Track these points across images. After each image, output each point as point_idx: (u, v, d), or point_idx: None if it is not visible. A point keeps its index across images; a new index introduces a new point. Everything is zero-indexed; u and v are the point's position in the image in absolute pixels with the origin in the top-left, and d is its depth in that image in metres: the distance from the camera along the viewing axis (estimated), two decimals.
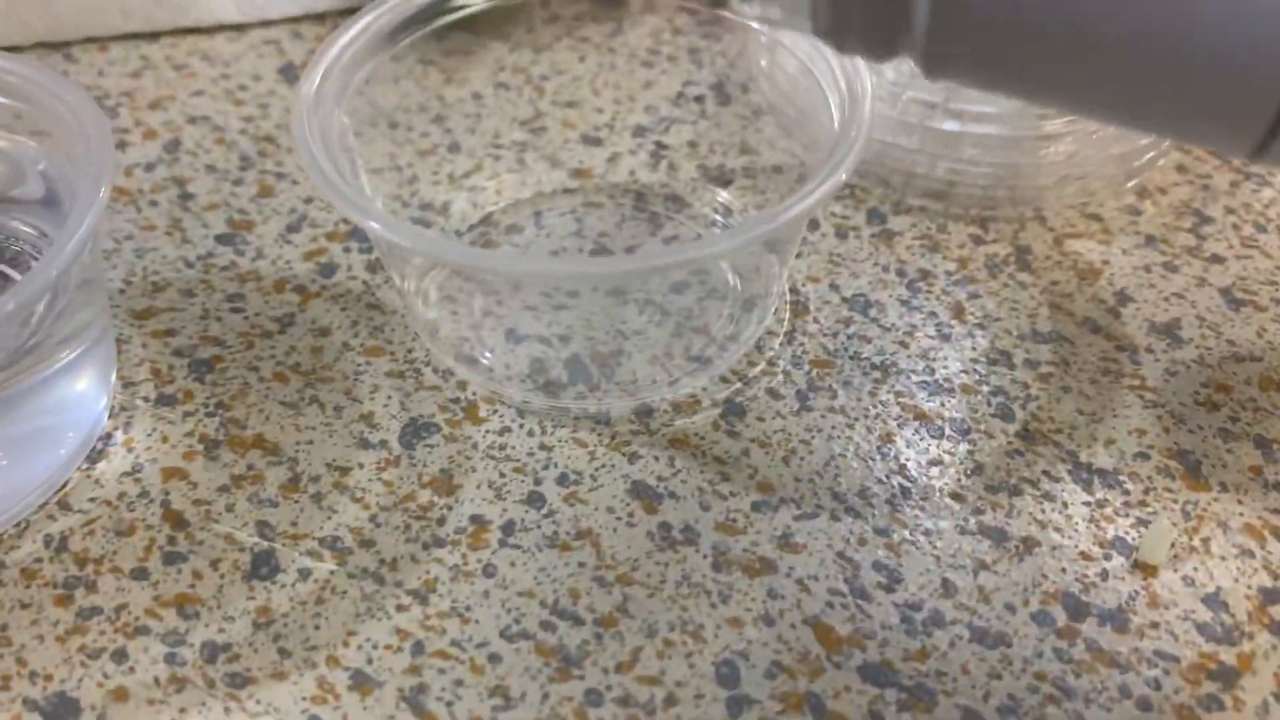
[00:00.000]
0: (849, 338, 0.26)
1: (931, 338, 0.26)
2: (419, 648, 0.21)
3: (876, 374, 0.25)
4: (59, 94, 0.22)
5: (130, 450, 0.24)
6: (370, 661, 0.20)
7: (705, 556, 0.22)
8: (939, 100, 0.29)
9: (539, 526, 0.22)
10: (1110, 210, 0.29)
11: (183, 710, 0.20)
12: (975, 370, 0.25)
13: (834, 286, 0.27)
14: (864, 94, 0.23)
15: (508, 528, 0.22)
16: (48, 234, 0.24)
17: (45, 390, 0.22)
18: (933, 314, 0.26)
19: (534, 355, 0.25)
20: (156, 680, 0.20)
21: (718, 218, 0.28)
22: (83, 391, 0.23)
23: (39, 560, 0.22)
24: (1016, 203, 0.29)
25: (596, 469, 0.23)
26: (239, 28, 0.35)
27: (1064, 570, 0.22)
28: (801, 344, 0.26)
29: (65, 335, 0.22)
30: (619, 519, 0.23)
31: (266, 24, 0.35)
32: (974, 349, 0.26)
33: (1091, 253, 0.28)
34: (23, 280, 0.19)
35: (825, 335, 0.26)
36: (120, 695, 0.20)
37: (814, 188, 0.21)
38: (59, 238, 0.20)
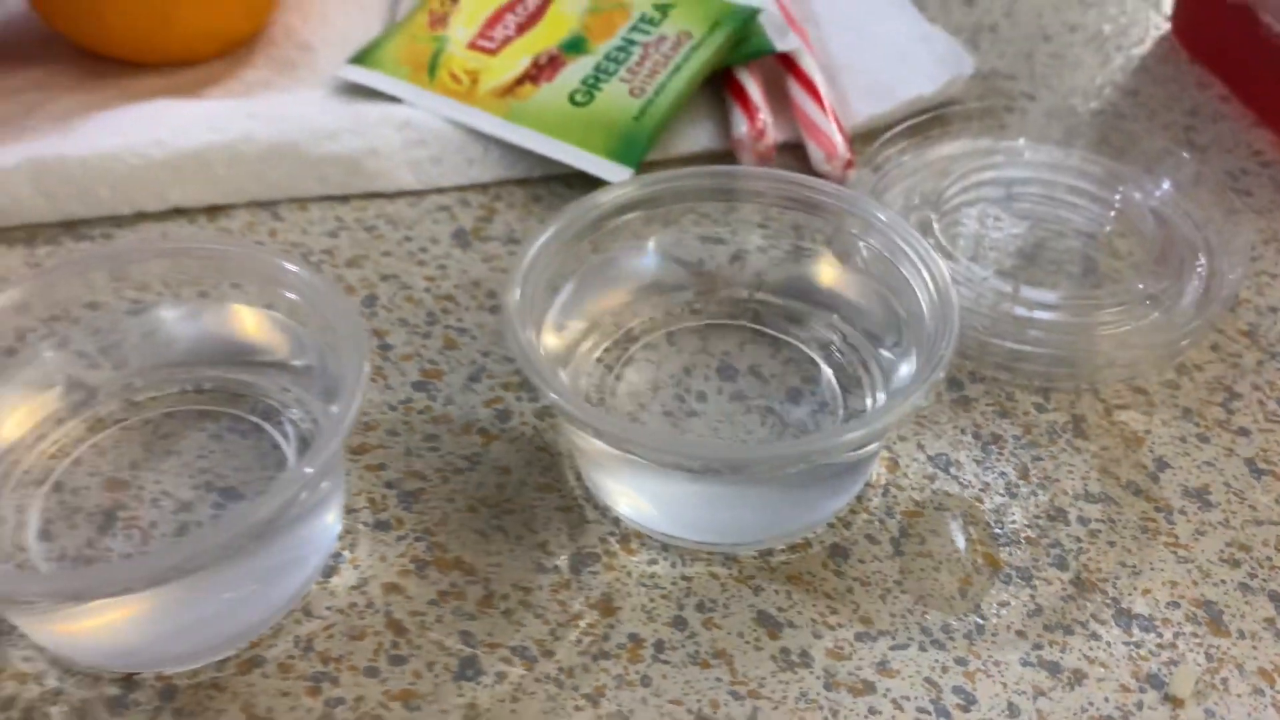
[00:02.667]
0: (934, 492, 0.31)
1: (1001, 495, 0.31)
2: None
3: (956, 525, 0.31)
4: (326, 295, 0.29)
5: (356, 568, 0.30)
6: None
7: (818, 678, 0.27)
8: (1009, 290, 0.34)
9: (683, 646, 0.28)
10: (1154, 385, 0.35)
11: None
12: (1037, 525, 0.31)
13: (920, 445, 0.33)
14: (947, 284, 0.29)
15: (659, 645, 0.28)
16: (298, 397, 0.31)
17: (302, 524, 0.28)
18: (1003, 474, 0.32)
19: None
20: None
21: (833, 338, 0.34)
22: (328, 523, 0.29)
23: (291, 657, 0.28)
24: (1074, 377, 0.34)
25: (728, 599, 0.29)
26: (416, 194, 0.41)
27: (1107, 700, 0.27)
28: (894, 495, 0.31)
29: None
30: (747, 642, 0.28)
31: (440, 190, 0.42)
32: (1036, 506, 0.31)
33: (1136, 423, 0.33)
34: (314, 448, 0.26)
35: (914, 489, 0.32)
36: None
37: (919, 386, 0.27)
38: (339, 413, 0.26)
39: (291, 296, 0.30)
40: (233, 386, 0.32)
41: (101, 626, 0.27)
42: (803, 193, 0.33)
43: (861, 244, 0.32)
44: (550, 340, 0.32)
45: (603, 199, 0.33)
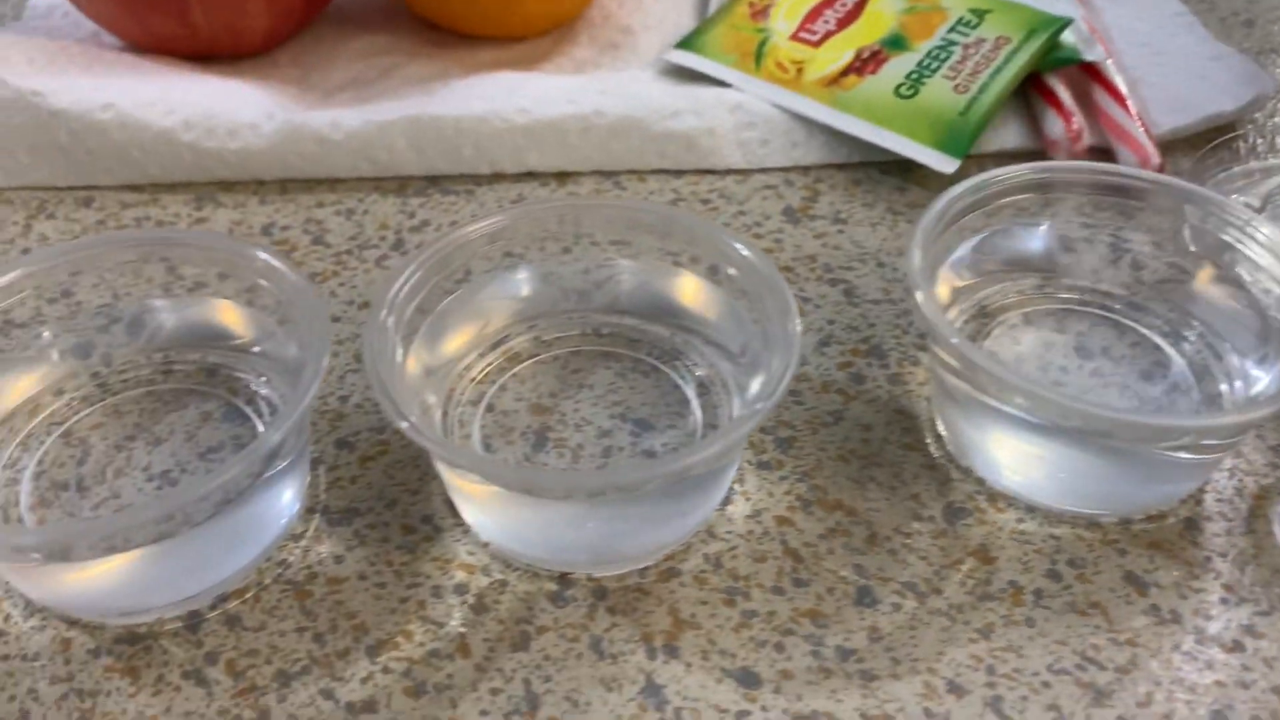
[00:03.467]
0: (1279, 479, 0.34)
1: None
2: (991, 670, 0.29)
3: None
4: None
5: (748, 500, 0.33)
6: (958, 675, 0.29)
7: (1189, 633, 0.30)
8: None
9: (1060, 595, 0.31)
10: None
11: (833, 691, 0.29)
12: None
13: (1260, 437, 0.35)
14: None
15: (1038, 593, 0.31)
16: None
17: (732, 466, 0.31)
18: None
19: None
20: (809, 668, 0.29)
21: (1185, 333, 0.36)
22: (736, 463, 0.32)
23: (704, 571, 0.31)
24: None
25: (1095, 558, 0.32)
26: (743, 173, 0.45)
27: None
28: (1241, 479, 0.34)
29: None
30: (1119, 597, 0.31)
31: (764, 171, 0.45)
32: None
33: None
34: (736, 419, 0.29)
35: (1259, 475, 0.34)
36: (787, 675, 0.29)
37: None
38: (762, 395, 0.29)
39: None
40: None
41: (547, 523, 0.30)
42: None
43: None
44: (941, 291, 0.35)
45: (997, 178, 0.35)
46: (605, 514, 0.30)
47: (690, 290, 0.35)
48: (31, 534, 0.29)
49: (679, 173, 0.45)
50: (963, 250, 0.35)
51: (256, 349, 0.34)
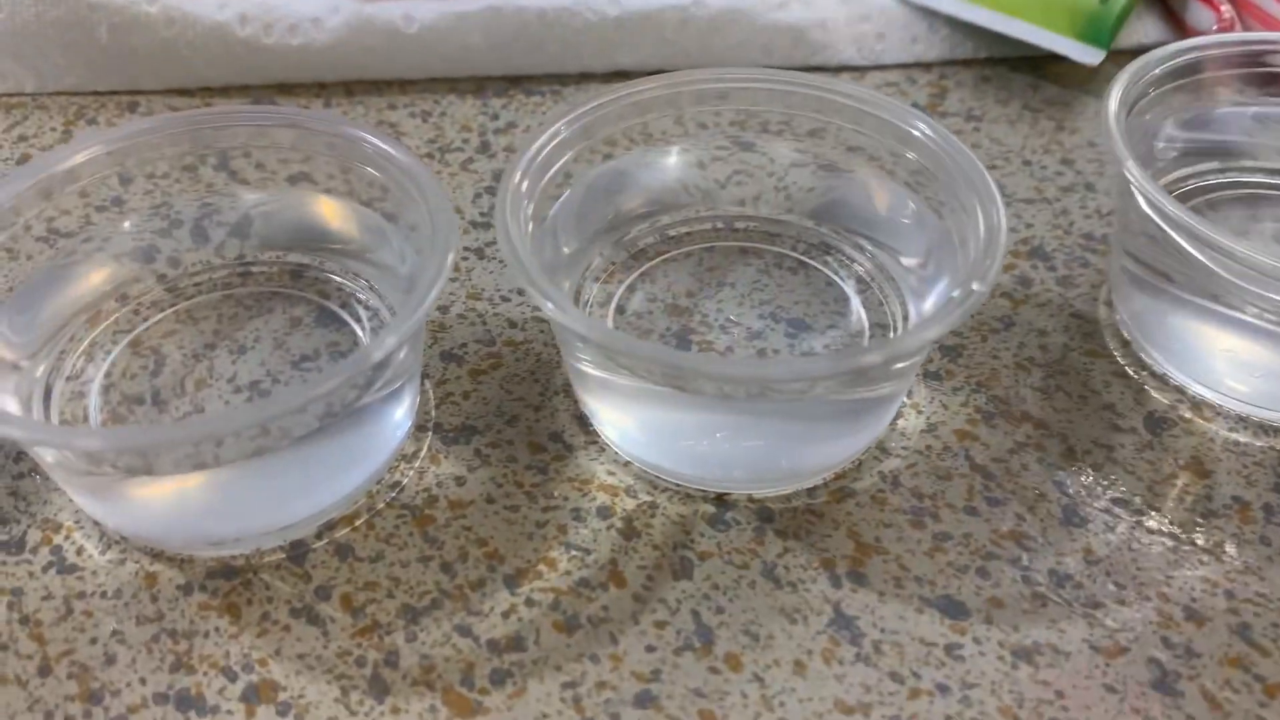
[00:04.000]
0: None
1: None
2: (1230, 595, 0.25)
3: None
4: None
5: (920, 413, 0.29)
6: (1194, 600, 0.25)
7: None
8: None
9: None
10: None
11: (1053, 621, 0.25)
12: None
13: None
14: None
15: (1267, 509, 0.27)
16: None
17: (913, 370, 0.27)
18: None
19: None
20: (1020, 595, 0.25)
21: None
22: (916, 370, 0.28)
23: (881, 491, 0.27)
24: None
25: None
26: (858, 69, 0.40)
27: None
28: None
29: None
30: None
31: (881, 68, 0.41)
32: None
33: None
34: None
35: None
36: (996, 603, 0.25)
37: None
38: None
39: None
40: None
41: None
42: None
43: None
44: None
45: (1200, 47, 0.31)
46: (773, 422, 0.26)
47: (859, 182, 0.31)
48: (108, 437, 0.25)
49: (787, 69, 0.40)
50: (1158, 127, 0.31)
51: (353, 245, 0.30)
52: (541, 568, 0.26)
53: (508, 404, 0.29)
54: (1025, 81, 0.40)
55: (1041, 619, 0.25)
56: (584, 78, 0.40)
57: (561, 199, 0.29)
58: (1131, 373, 0.30)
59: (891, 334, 0.29)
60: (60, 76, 0.39)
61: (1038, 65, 0.40)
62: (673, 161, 0.31)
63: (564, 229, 0.29)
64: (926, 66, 0.41)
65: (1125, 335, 0.31)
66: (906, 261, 0.29)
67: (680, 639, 0.24)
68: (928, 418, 0.29)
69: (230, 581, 0.25)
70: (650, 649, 0.24)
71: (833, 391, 0.25)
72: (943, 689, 0.24)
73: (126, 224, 0.29)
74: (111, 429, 0.27)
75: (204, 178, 0.29)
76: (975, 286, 0.24)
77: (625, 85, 0.29)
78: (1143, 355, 0.30)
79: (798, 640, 0.24)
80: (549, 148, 0.27)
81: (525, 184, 0.26)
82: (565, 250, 0.29)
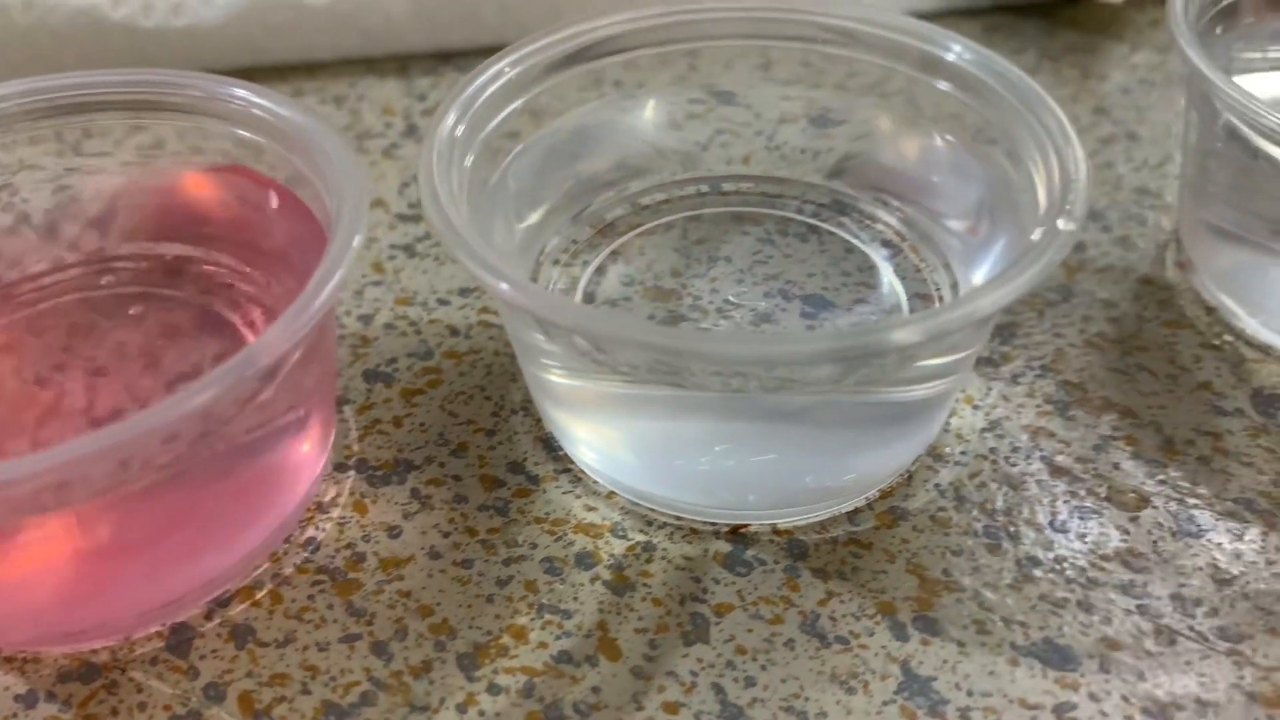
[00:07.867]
0: None
1: None
2: None
3: None
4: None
5: (975, 408, 0.23)
6: None
7: None
8: None
9: None
10: None
11: (1188, 662, 0.19)
12: None
13: None
14: None
15: None
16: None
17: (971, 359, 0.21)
18: None
19: None
20: (1139, 631, 0.19)
21: None
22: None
23: (943, 509, 0.21)
24: None
25: None
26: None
27: None
28: None
29: None
30: None
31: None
32: None
33: None
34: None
35: None
36: (1112, 645, 0.19)
37: None
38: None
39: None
40: None
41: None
42: None
43: None
44: None
45: None
46: (800, 427, 0.20)
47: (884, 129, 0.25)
48: None
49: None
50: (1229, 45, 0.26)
51: (238, 229, 0.24)
52: (507, 641, 0.19)
53: (452, 429, 0.23)
54: (1037, 28, 0.35)
55: (1173, 661, 0.19)
56: None
57: (508, 161, 0.22)
58: (1222, 343, 0.24)
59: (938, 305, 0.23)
60: None
61: (1049, 11, 0.35)
62: (647, 116, 0.25)
63: (514, 198, 0.23)
64: (925, 18, 0.35)
65: (1208, 300, 0.25)
66: (951, 224, 0.24)
67: None
68: (986, 413, 0.23)
69: (89, 685, 0.19)
70: None
71: (873, 385, 0.19)
72: None
73: None
74: None
75: (44, 155, 0.23)
76: (1061, 224, 0.18)
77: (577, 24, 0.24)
78: (1235, 322, 0.25)
79: (859, 715, 0.18)
80: (491, 90, 0.21)
81: (461, 129, 0.20)
82: (517, 225, 0.23)
